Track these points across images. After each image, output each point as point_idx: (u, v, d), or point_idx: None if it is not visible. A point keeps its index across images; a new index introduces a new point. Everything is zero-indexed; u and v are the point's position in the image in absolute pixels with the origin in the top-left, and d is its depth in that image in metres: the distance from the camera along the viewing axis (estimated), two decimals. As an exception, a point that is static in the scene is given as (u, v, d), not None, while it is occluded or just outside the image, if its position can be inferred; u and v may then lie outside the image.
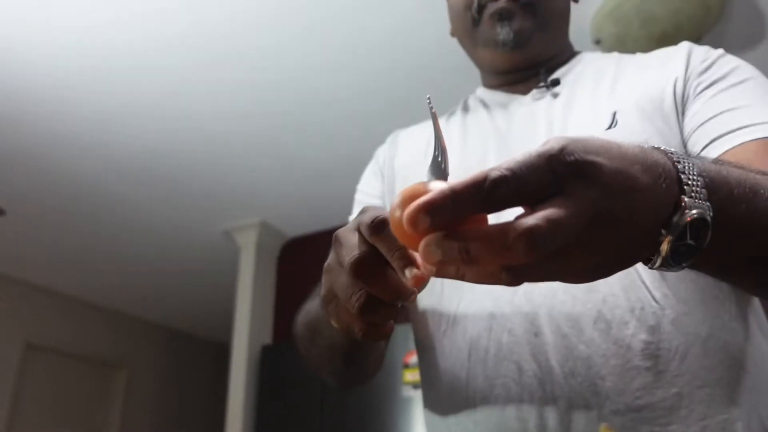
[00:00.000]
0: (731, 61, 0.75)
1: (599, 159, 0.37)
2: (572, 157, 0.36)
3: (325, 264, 0.52)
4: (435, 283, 0.75)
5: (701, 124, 0.69)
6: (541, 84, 0.85)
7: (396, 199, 0.39)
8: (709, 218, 0.39)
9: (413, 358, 2.64)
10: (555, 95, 0.82)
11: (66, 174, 3.08)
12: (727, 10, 2.14)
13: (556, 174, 0.36)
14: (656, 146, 0.42)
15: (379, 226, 0.44)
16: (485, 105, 0.90)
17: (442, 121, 0.93)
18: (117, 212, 3.48)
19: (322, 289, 0.53)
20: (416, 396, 2.69)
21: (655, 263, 0.40)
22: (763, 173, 0.50)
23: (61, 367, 4.52)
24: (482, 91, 0.94)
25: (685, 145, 0.71)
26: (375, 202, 0.91)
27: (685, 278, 0.65)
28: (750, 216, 0.45)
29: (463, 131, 0.87)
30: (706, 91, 0.72)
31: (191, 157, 3.00)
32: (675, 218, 0.39)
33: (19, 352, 4.20)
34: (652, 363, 0.62)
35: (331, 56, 2.39)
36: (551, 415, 0.63)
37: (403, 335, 2.37)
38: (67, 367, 4.56)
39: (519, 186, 0.35)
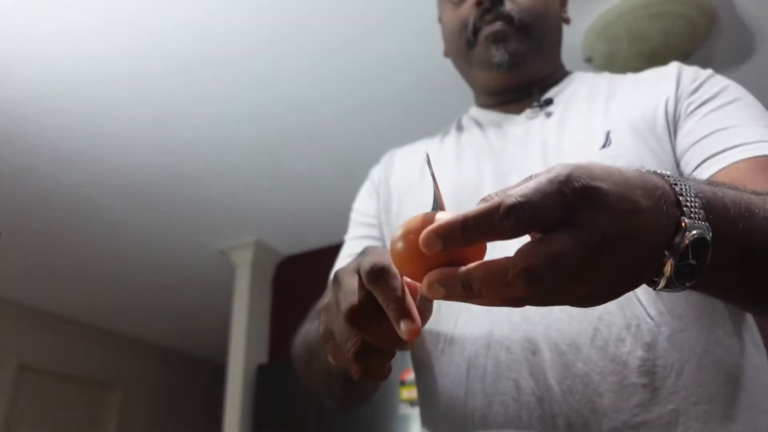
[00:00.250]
0: (720, 81, 0.76)
1: (604, 185, 0.38)
2: (579, 183, 0.37)
3: (326, 302, 0.52)
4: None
5: (694, 144, 0.71)
6: (535, 103, 0.86)
7: (398, 231, 0.40)
8: (708, 237, 0.40)
9: (410, 376, 2.63)
10: (548, 114, 0.83)
11: (59, 193, 3.07)
12: (715, 27, 2.17)
13: (566, 199, 0.36)
14: (653, 170, 0.43)
15: (378, 274, 0.43)
16: (479, 124, 0.91)
17: (435, 141, 0.94)
18: (111, 231, 3.46)
19: (321, 327, 0.53)
20: (413, 413, 2.67)
21: (659, 285, 0.41)
22: (757, 193, 0.51)
23: (55, 388, 4.47)
24: (476, 111, 0.95)
25: (678, 164, 0.72)
26: (370, 221, 0.92)
27: (679, 295, 0.65)
28: (747, 235, 0.45)
29: (458, 151, 0.88)
30: (697, 111, 0.73)
31: (186, 176, 3.00)
32: (677, 239, 0.39)
33: (12, 374, 4.15)
34: (648, 380, 0.62)
35: (327, 75, 2.40)
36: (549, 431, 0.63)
37: (399, 353, 2.36)
38: (60, 388, 4.51)
39: (533, 214, 0.36)
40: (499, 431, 0.66)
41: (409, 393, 2.68)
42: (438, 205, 0.44)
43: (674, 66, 0.80)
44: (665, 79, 0.78)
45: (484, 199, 0.40)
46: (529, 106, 0.86)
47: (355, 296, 0.46)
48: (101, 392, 4.80)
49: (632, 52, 2.15)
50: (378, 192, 0.92)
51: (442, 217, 0.38)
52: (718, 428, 0.61)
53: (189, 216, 3.36)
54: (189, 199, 3.20)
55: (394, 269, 0.43)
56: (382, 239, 0.89)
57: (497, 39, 0.83)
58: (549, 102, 0.85)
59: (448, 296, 0.37)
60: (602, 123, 0.77)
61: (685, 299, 0.65)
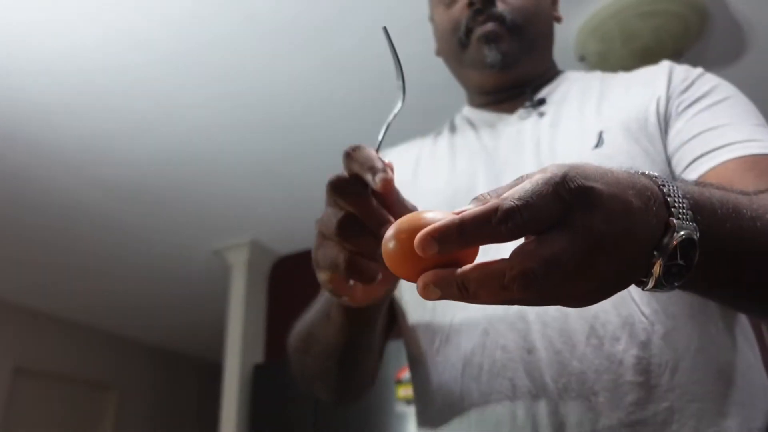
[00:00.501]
0: (711, 79, 0.77)
1: (598, 185, 0.38)
2: (575, 184, 0.37)
3: (317, 220, 0.56)
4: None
5: (684, 143, 0.71)
6: (527, 103, 0.86)
7: (390, 230, 0.39)
8: (696, 238, 0.40)
9: (406, 374, 2.63)
10: (541, 114, 0.83)
11: (53, 193, 3.06)
12: (708, 26, 2.18)
13: (563, 200, 0.36)
14: (641, 171, 0.43)
15: (352, 149, 0.51)
16: (472, 124, 0.91)
17: (428, 141, 0.95)
18: (106, 232, 3.45)
19: (314, 245, 0.57)
20: (409, 412, 2.68)
21: (647, 285, 0.41)
22: (745, 193, 0.51)
23: (51, 390, 4.46)
24: (468, 111, 0.95)
25: (669, 163, 0.73)
26: None
27: (672, 294, 0.66)
28: (734, 234, 0.46)
29: (451, 151, 0.89)
30: (688, 110, 0.74)
31: (181, 176, 2.99)
32: (665, 240, 0.40)
33: (8, 377, 4.14)
34: (643, 378, 0.63)
35: (321, 75, 2.40)
36: (545, 430, 0.63)
37: (395, 351, 2.36)
38: (56, 390, 4.49)
39: (530, 217, 0.36)
40: (494, 430, 0.66)
41: (406, 391, 2.69)
42: (400, 68, 0.50)
43: (665, 65, 0.81)
44: (656, 79, 0.79)
45: (477, 199, 0.40)
46: (522, 105, 0.86)
47: (339, 212, 0.52)
48: (97, 393, 4.79)
49: (625, 51, 2.16)
50: None
51: (433, 216, 0.38)
52: (711, 425, 0.62)
53: (184, 216, 3.35)
54: (184, 200, 3.19)
55: (367, 147, 0.51)
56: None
57: (490, 39, 0.84)
58: (542, 102, 0.85)
59: (444, 297, 0.37)
60: (595, 123, 0.77)
61: (678, 298, 0.66)
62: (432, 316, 0.76)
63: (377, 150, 0.54)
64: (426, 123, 1.08)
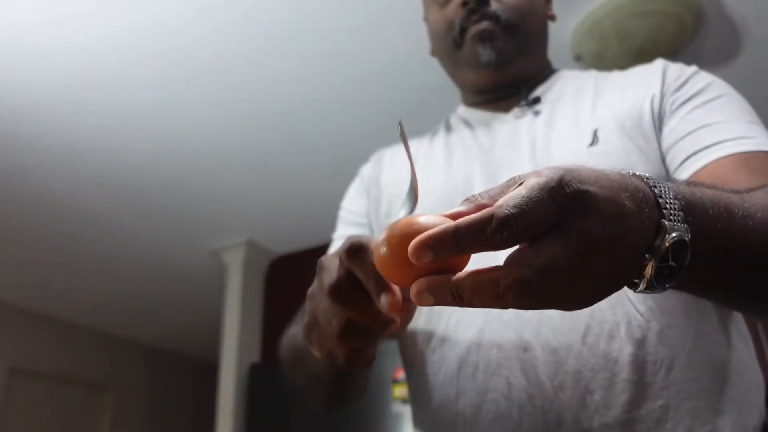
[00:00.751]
0: (705, 77, 0.77)
1: (593, 188, 0.38)
2: (570, 189, 0.37)
3: (309, 290, 0.52)
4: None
5: (678, 141, 0.71)
6: (523, 102, 0.86)
7: (381, 235, 0.39)
8: (687, 239, 0.40)
9: (403, 374, 2.63)
10: (536, 113, 0.84)
11: (48, 193, 3.05)
12: (703, 26, 2.19)
13: (558, 205, 0.36)
14: (632, 171, 0.43)
15: (355, 249, 0.45)
16: (468, 124, 0.91)
17: (424, 141, 0.95)
18: (101, 232, 3.45)
19: (305, 317, 0.53)
20: (406, 411, 2.68)
21: (639, 286, 0.41)
22: (736, 191, 0.51)
23: (47, 390, 4.45)
24: (463, 110, 0.95)
25: (663, 161, 0.73)
26: (359, 220, 0.92)
27: (667, 292, 0.66)
28: (726, 234, 0.46)
29: (447, 150, 0.89)
30: (681, 108, 0.74)
31: (177, 176, 2.99)
32: (657, 242, 0.40)
33: (4, 377, 4.13)
34: (639, 376, 0.63)
35: (317, 75, 2.40)
36: (540, 429, 0.63)
37: (392, 350, 2.36)
38: (52, 390, 4.48)
39: (526, 224, 0.35)
40: (490, 429, 0.66)
41: (402, 391, 2.69)
42: (413, 188, 0.44)
43: (659, 63, 0.81)
44: (651, 77, 0.79)
45: (468, 200, 0.40)
46: (517, 104, 0.87)
47: (336, 274, 0.47)
48: (94, 393, 4.78)
49: (620, 50, 2.16)
50: (368, 191, 0.92)
51: (425, 221, 0.38)
52: (706, 423, 0.62)
53: (180, 216, 3.34)
54: (180, 200, 3.19)
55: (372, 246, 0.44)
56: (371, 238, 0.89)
57: (484, 38, 0.84)
58: (537, 100, 0.85)
59: (437, 304, 0.37)
60: (590, 121, 0.77)
61: (673, 295, 0.66)
62: (428, 317, 0.76)
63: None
64: (421, 123, 1.08)
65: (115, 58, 2.28)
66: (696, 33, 2.18)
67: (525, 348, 0.66)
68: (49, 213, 3.22)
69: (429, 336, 0.75)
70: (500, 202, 0.36)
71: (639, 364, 0.63)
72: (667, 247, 0.39)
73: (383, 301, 0.43)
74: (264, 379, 3.27)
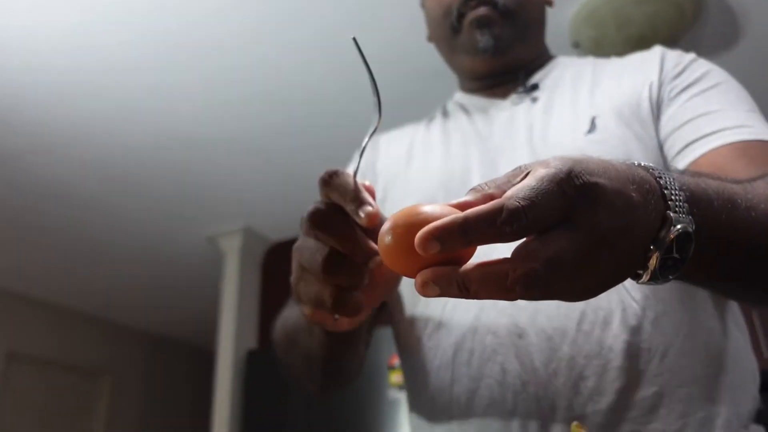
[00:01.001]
0: (703, 65, 0.77)
1: (602, 180, 0.37)
2: (580, 181, 0.36)
3: (294, 246, 0.52)
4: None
5: (676, 129, 0.71)
6: (520, 88, 0.86)
7: (387, 223, 0.38)
8: (692, 231, 0.40)
9: (398, 360, 2.64)
10: (534, 99, 0.83)
11: (44, 178, 3.04)
12: (702, 13, 2.18)
13: (567, 197, 0.36)
14: (637, 162, 0.43)
15: (330, 175, 0.47)
16: (465, 110, 0.91)
17: (421, 127, 0.94)
18: (98, 217, 3.44)
19: (292, 274, 0.53)
20: (402, 398, 2.69)
21: (642, 278, 0.41)
22: (738, 182, 0.51)
23: (44, 376, 4.46)
24: (461, 96, 0.95)
25: (661, 148, 0.73)
26: None
27: (664, 280, 0.66)
28: (730, 225, 0.46)
29: (445, 136, 0.88)
30: (680, 96, 0.73)
31: (174, 162, 2.98)
32: (662, 233, 0.39)
33: (1, 362, 4.14)
34: (632, 363, 0.63)
35: (315, 61, 2.39)
36: (534, 414, 0.64)
37: (388, 337, 2.37)
38: (50, 375, 4.50)
39: (535, 217, 0.35)
40: (484, 414, 0.67)
41: (398, 377, 2.70)
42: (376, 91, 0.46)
43: (658, 50, 0.81)
44: (649, 64, 0.79)
45: (474, 189, 0.39)
46: (515, 91, 0.86)
47: (322, 248, 0.48)
48: (91, 379, 4.80)
49: (619, 38, 2.15)
50: (364, 175, 0.92)
51: (431, 211, 0.37)
52: (700, 410, 0.62)
53: (177, 203, 3.34)
54: (177, 186, 3.18)
55: (346, 172, 0.46)
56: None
57: (482, 24, 0.83)
58: (534, 87, 0.85)
59: (443, 295, 0.36)
60: (587, 108, 0.77)
61: (669, 283, 0.66)
62: (425, 303, 0.76)
63: (355, 173, 0.49)
64: (419, 109, 1.08)
65: (113, 41, 2.26)
66: (695, 20, 2.17)
67: (520, 334, 0.66)
68: (46, 198, 3.21)
69: (425, 322, 0.75)
70: (509, 193, 0.35)
71: (633, 351, 0.63)
72: (672, 239, 0.39)
73: (362, 214, 0.44)
74: (261, 366, 3.28)
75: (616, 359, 0.63)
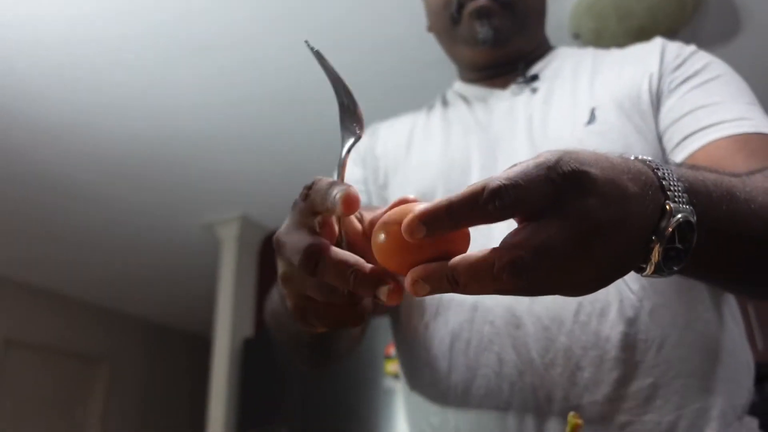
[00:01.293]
0: (703, 57, 0.76)
1: (593, 169, 0.37)
2: (568, 168, 0.36)
3: (280, 274, 0.44)
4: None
5: (676, 121, 0.71)
6: (520, 79, 0.86)
7: (380, 221, 0.38)
8: (693, 220, 0.40)
9: (395, 350, 2.65)
10: (534, 90, 0.83)
11: (42, 166, 3.04)
12: (703, 5, 2.17)
13: (554, 184, 0.35)
14: (634, 155, 0.43)
15: (314, 261, 0.38)
16: (465, 99, 0.90)
17: (421, 116, 0.94)
18: (96, 206, 3.44)
19: (289, 304, 0.45)
20: (397, 387, 2.70)
21: (646, 270, 0.40)
22: (736, 175, 0.51)
23: (41, 362, 4.47)
24: (460, 86, 0.94)
25: (660, 140, 0.73)
26: (358, 187, 0.91)
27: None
28: (730, 217, 0.46)
29: (445, 125, 0.88)
30: (679, 88, 0.73)
31: (172, 150, 2.97)
32: (662, 224, 0.39)
33: (-1, 349, 4.15)
34: (629, 354, 0.63)
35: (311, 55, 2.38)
36: (530, 405, 0.64)
37: (384, 326, 2.38)
38: (46, 362, 4.50)
39: (518, 196, 0.35)
40: (480, 405, 0.67)
41: (394, 366, 2.71)
42: (342, 90, 0.43)
43: (658, 42, 0.80)
44: (649, 56, 0.78)
45: (471, 186, 0.39)
46: (515, 81, 0.86)
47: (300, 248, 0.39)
48: (88, 366, 4.80)
49: (620, 29, 2.14)
50: (364, 160, 0.91)
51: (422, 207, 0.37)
52: (696, 401, 0.63)
53: (174, 191, 3.33)
54: (174, 174, 3.17)
55: (324, 243, 0.39)
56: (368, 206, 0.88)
57: (481, 15, 0.83)
58: (534, 78, 0.85)
59: (434, 292, 0.36)
60: (587, 99, 0.77)
61: None
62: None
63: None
64: (418, 99, 1.07)
65: (114, 35, 2.25)
66: (695, 13, 2.17)
67: (517, 325, 0.66)
68: (45, 188, 3.21)
69: (422, 312, 0.76)
70: (493, 176, 0.36)
71: (629, 343, 0.63)
72: (673, 229, 0.39)
73: (383, 296, 0.38)
74: (257, 354, 3.29)
75: (613, 350, 0.63)
